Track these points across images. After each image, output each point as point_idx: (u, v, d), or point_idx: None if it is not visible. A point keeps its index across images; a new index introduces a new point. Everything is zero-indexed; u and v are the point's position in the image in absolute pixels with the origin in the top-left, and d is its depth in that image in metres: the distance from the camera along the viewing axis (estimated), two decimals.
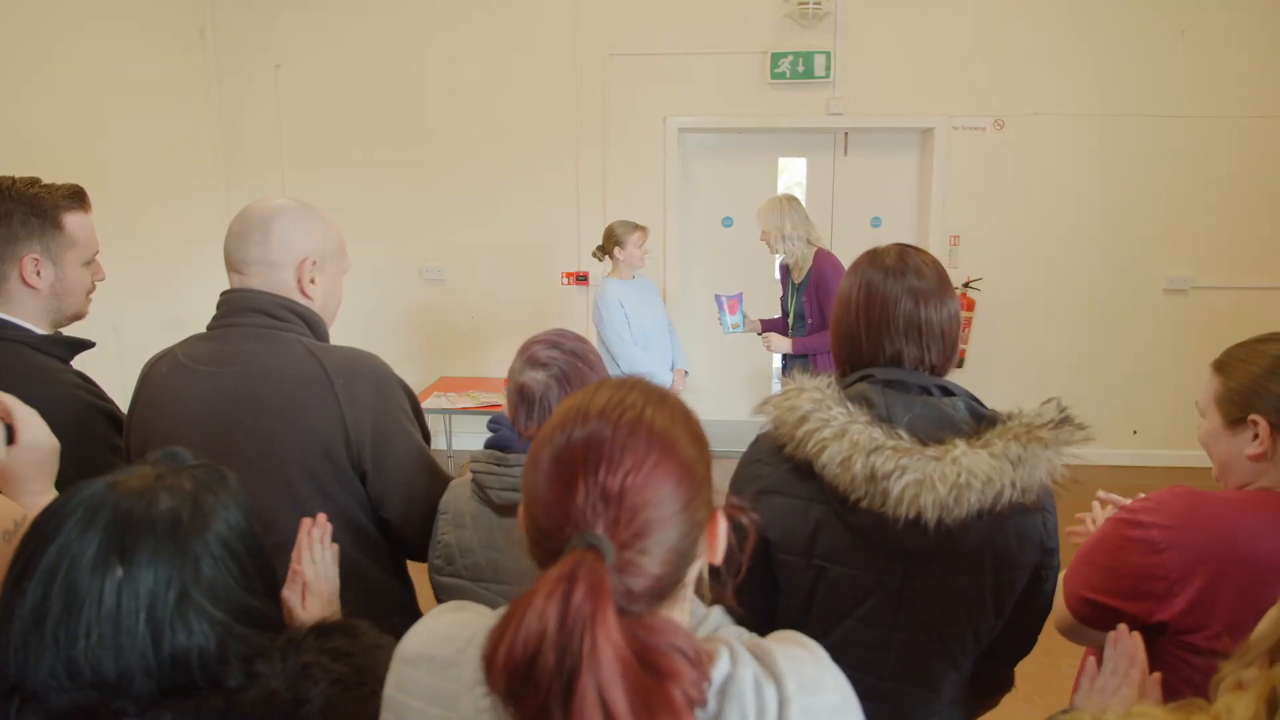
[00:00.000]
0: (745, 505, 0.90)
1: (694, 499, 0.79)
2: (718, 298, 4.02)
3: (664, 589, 0.76)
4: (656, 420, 0.79)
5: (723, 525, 0.85)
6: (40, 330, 1.70)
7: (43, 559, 0.89)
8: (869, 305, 1.34)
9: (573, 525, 0.74)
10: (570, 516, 0.75)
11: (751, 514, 0.90)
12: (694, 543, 0.79)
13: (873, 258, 1.38)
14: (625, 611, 0.71)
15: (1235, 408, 1.34)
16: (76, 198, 1.72)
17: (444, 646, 0.84)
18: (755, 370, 5.83)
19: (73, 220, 1.71)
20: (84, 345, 1.78)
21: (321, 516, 1.34)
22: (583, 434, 0.78)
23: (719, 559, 0.86)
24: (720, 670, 0.76)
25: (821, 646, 0.87)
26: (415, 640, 0.87)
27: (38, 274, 1.66)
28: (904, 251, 1.37)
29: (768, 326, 4.09)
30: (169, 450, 1.04)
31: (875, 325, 1.33)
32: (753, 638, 0.84)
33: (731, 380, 5.86)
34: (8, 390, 1.51)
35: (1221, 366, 1.39)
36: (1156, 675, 1.15)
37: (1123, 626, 1.20)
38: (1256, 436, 1.31)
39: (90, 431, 1.64)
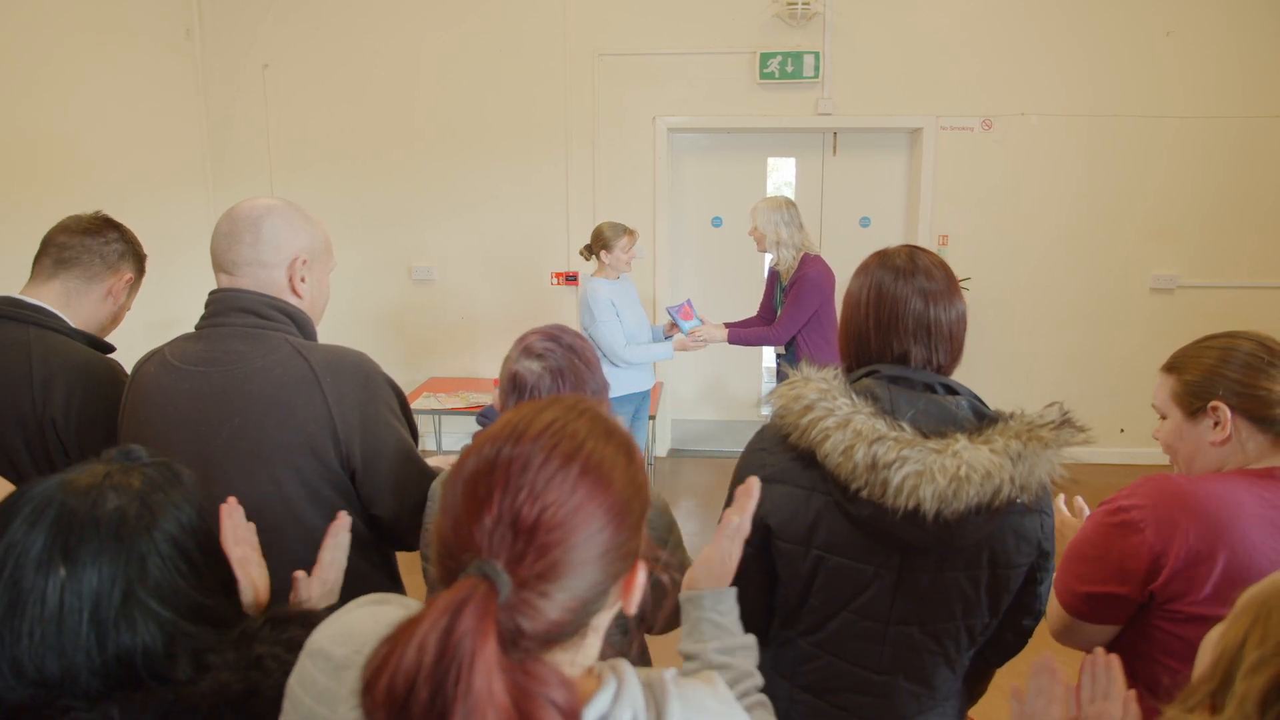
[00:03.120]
0: (671, 562, 0.86)
1: (616, 547, 0.73)
2: (669, 310, 4.08)
3: (559, 636, 0.71)
4: (595, 454, 0.74)
5: (641, 576, 0.79)
6: (71, 323, 1.83)
7: None
8: (879, 305, 1.35)
9: (474, 549, 0.69)
10: (474, 538, 0.69)
11: (675, 573, 0.86)
12: (603, 593, 0.73)
13: (883, 258, 1.39)
14: (511, 651, 0.67)
15: (1195, 399, 1.41)
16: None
17: (343, 645, 0.80)
18: (740, 370, 5.84)
19: (142, 277, 2.01)
20: (106, 348, 1.88)
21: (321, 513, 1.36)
22: (510, 453, 0.72)
23: (633, 610, 0.80)
24: (597, 708, 0.71)
25: (732, 694, 0.83)
26: (322, 633, 0.84)
27: (122, 292, 1.92)
28: (914, 253, 1.39)
29: (734, 328, 4.14)
30: (123, 448, 1.04)
31: (885, 325, 1.35)
32: (659, 674, 0.79)
33: (715, 381, 5.87)
34: (68, 374, 1.70)
35: (1173, 366, 1.46)
36: (1131, 692, 1.13)
37: (1099, 651, 1.19)
38: (1217, 424, 1.38)
39: None
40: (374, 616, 0.83)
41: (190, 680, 0.90)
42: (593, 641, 0.78)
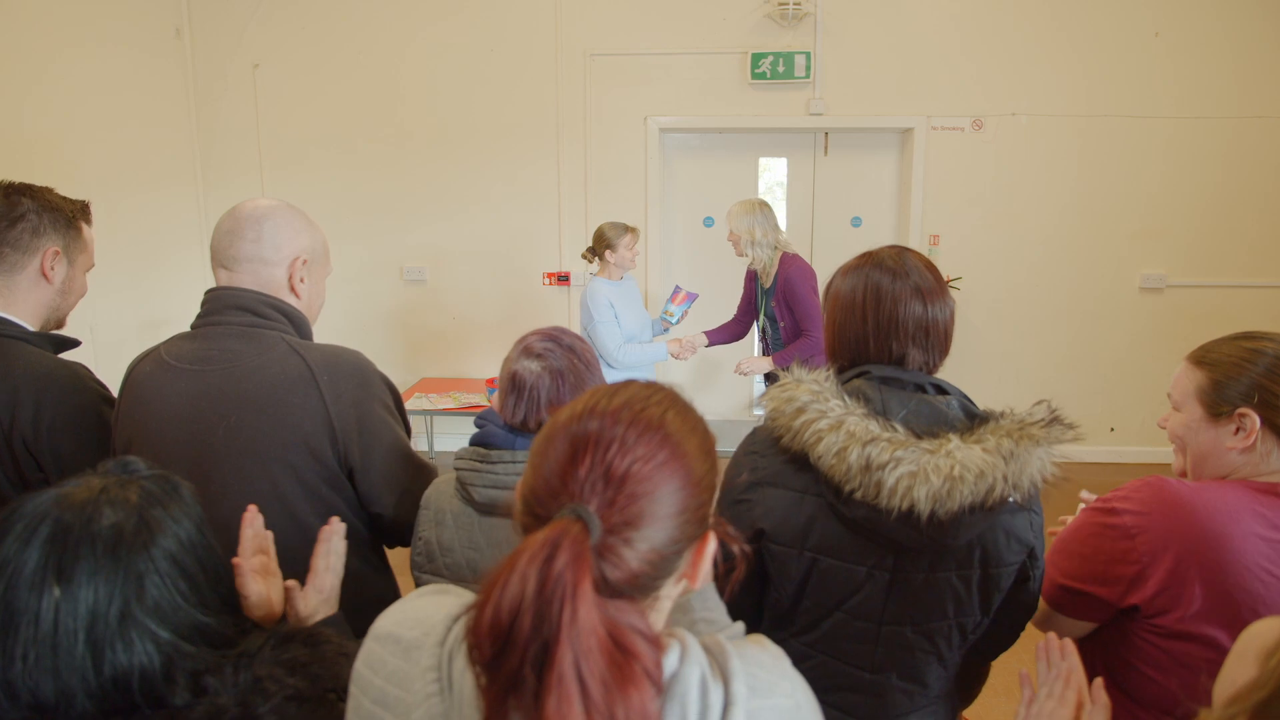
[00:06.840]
0: (739, 536, 0.90)
1: (691, 508, 0.78)
2: (677, 287, 4.14)
3: (637, 588, 0.75)
4: (674, 425, 0.80)
5: (710, 548, 0.84)
6: (31, 327, 1.73)
7: None
8: (878, 307, 1.34)
9: (568, 495, 0.75)
10: (568, 486, 0.75)
11: (745, 546, 0.91)
12: (678, 553, 0.78)
13: (874, 259, 1.38)
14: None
15: (1223, 402, 1.34)
16: (87, 210, 1.83)
17: (412, 629, 0.84)
18: (732, 370, 5.82)
19: (85, 229, 1.81)
20: (69, 344, 1.80)
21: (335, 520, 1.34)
22: (599, 423, 0.78)
23: (699, 584, 0.84)
24: (667, 665, 0.75)
25: (783, 651, 0.87)
26: (388, 619, 0.87)
27: (53, 268, 1.73)
28: (902, 253, 1.38)
29: (713, 335, 4.14)
30: (121, 460, 1.01)
31: (884, 327, 1.34)
32: (713, 635, 0.84)
33: (707, 380, 5.87)
34: (32, 385, 1.59)
35: (1202, 361, 1.39)
36: (1099, 680, 1.16)
37: (1052, 635, 1.21)
38: (1239, 430, 1.33)
39: (107, 424, 1.66)
40: (437, 604, 0.86)
41: (186, 705, 0.87)
42: (664, 607, 0.83)
